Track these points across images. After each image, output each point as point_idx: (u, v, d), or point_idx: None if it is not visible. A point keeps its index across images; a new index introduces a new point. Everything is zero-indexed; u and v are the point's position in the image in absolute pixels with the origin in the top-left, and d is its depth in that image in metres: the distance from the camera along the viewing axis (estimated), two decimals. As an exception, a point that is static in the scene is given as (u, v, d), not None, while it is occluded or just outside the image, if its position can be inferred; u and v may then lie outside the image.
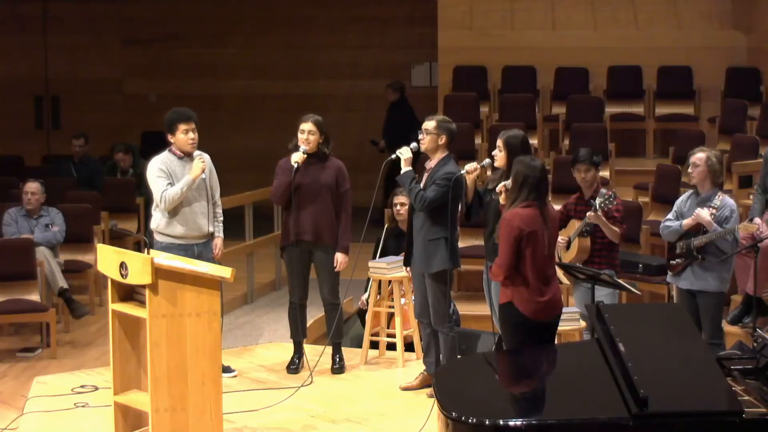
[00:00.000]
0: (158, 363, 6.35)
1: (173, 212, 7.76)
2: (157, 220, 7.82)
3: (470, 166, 7.32)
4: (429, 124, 7.50)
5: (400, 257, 8.24)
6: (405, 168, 7.47)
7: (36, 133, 16.76)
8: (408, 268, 7.74)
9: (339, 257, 8.16)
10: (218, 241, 7.99)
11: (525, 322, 6.41)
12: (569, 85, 13.76)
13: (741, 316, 8.85)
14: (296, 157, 8.02)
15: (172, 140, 7.81)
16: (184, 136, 7.77)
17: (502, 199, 6.81)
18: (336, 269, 8.17)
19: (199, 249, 7.81)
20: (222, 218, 8.07)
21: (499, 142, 7.31)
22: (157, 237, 7.83)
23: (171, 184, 7.71)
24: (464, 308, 9.63)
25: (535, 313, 6.41)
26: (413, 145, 7.50)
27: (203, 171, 7.76)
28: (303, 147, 8.04)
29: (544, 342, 6.45)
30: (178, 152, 7.81)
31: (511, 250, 6.40)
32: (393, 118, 14.35)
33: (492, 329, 7.68)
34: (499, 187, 6.82)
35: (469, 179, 7.33)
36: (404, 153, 7.47)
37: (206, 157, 7.91)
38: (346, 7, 16.20)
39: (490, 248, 7.24)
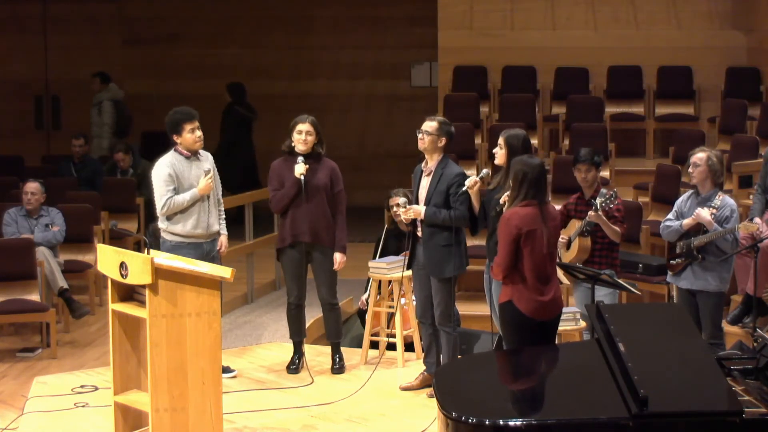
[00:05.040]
0: (158, 363, 6.36)
1: (184, 212, 7.77)
2: (168, 218, 7.83)
3: (470, 181, 7.31)
4: (430, 126, 7.49)
5: (400, 257, 8.25)
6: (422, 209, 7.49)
7: (36, 133, 16.73)
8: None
9: (338, 257, 8.16)
10: (223, 239, 8.06)
11: (524, 321, 6.41)
12: (569, 85, 13.73)
13: (741, 316, 8.85)
14: (300, 170, 7.99)
15: (177, 140, 7.80)
16: (190, 135, 7.77)
17: (503, 200, 6.83)
18: (335, 269, 8.18)
19: (208, 247, 7.87)
20: (224, 216, 8.11)
21: (501, 140, 7.32)
22: (166, 236, 7.85)
23: (175, 189, 7.72)
24: (464, 308, 9.62)
25: (534, 312, 6.41)
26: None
27: (210, 189, 7.80)
28: (301, 158, 8.02)
29: (543, 341, 6.45)
30: (185, 152, 7.82)
31: (509, 249, 6.41)
32: None
33: (491, 329, 7.69)
34: (503, 198, 6.86)
35: (472, 193, 7.33)
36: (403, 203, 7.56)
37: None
38: (346, 7, 16.18)
39: (492, 247, 7.25)
